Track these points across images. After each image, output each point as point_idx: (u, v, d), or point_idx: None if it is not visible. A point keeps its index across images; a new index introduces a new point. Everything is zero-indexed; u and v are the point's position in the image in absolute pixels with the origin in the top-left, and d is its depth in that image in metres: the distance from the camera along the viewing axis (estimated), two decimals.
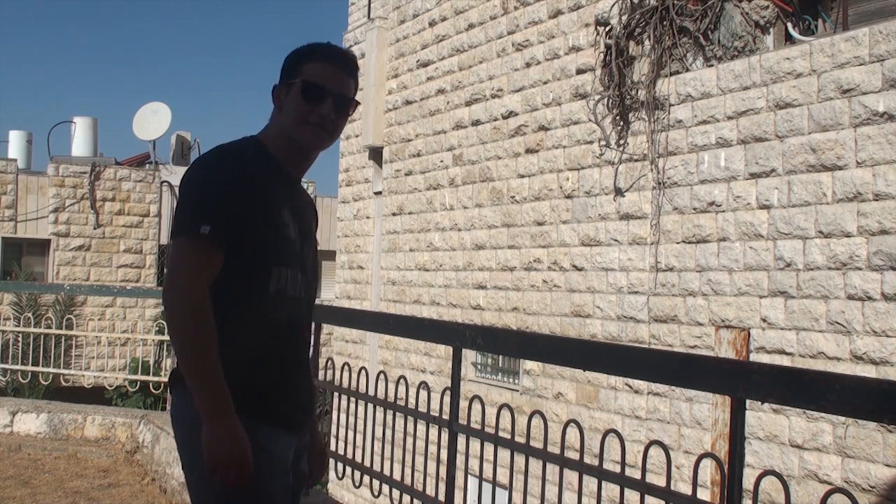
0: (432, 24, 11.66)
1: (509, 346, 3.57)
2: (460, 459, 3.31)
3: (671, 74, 7.82)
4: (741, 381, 2.16)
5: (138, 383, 9.44)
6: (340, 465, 4.19)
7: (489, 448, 3.27)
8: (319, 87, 2.13)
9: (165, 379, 7.27)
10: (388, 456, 3.90)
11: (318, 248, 2.38)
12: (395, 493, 3.70)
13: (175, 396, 2.17)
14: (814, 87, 6.60)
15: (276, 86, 2.20)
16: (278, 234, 2.10)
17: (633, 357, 2.68)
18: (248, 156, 2.12)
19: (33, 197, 17.49)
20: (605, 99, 8.40)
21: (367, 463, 3.99)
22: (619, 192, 8.33)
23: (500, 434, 3.17)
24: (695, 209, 7.51)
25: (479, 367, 10.27)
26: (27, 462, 6.29)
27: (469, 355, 9.87)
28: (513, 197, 9.82)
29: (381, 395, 3.94)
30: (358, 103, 2.22)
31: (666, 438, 7.42)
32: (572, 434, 2.98)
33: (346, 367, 4.25)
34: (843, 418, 6.00)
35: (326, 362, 4.47)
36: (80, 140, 19.65)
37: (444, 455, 3.32)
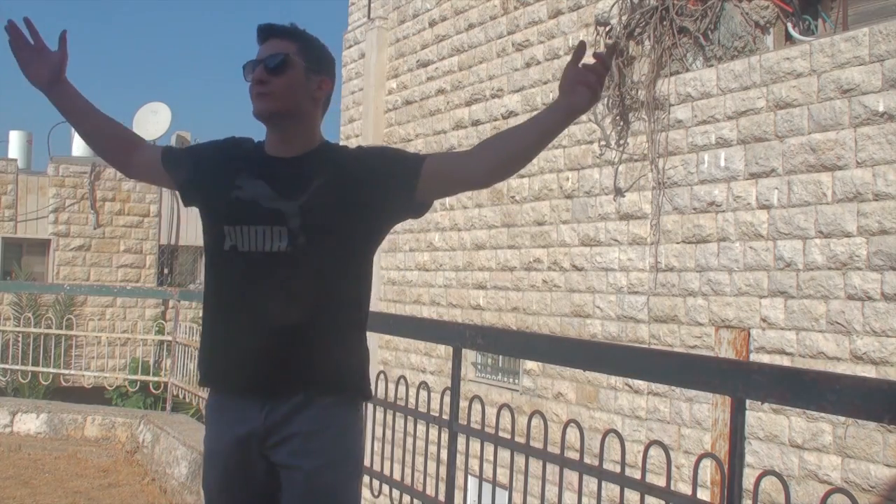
0: (432, 24, 11.66)
1: (509, 346, 3.57)
2: (460, 459, 3.31)
3: (671, 74, 7.82)
4: (741, 381, 2.16)
5: (138, 383, 9.44)
6: None
7: (489, 448, 3.26)
8: (249, 61, 2.21)
9: (165, 379, 7.26)
10: (388, 456, 3.90)
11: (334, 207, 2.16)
12: (395, 493, 3.70)
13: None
14: (814, 87, 6.60)
15: None
16: (225, 195, 2.18)
17: (633, 357, 2.68)
18: (224, 143, 2.32)
19: (33, 197, 17.50)
20: (605, 99, 8.40)
21: (366, 463, 3.99)
22: (619, 192, 8.33)
23: (500, 434, 3.17)
24: (695, 209, 7.51)
25: (479, 367, 10.27)
26: (27, 462, 6.29)
27: (469, 355, 9.87)
28: (513, 197, 9.82)
29: (380, 395, 3.94)
30: (284, 56, 2.16)
31: (666, 438, 7.42)
32: (572, 434, 2.97)
33: None
34: (843, 418, 6.00)
35: None
36: (80, 140, 19.63)
37: (444, 455, 3.32)
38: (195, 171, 2.29)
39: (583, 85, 2.03)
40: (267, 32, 2.22)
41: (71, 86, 2.36)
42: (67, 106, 2.36)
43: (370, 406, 4.03)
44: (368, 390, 2.25)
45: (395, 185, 2.15)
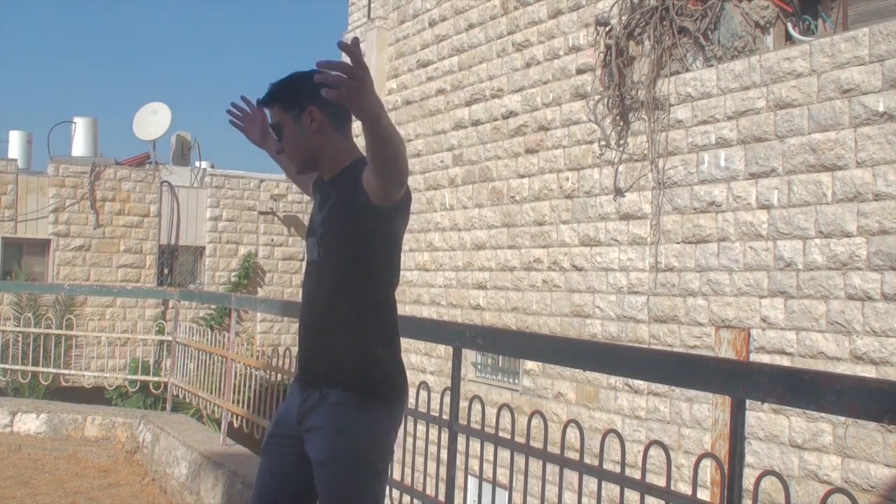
0: (432, 24, 11.66)
1: (509, 346, 3.56)
2: (460, 459, 3.31)
3: (671, 74, 7.82)
4: (741, 381, 2.15)
5: (138, 383, 9.44)
6: None
7: (489, 448, 3.26)
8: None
9: (165, 379, 7.26)
10: None
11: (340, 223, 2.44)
12: (395, 493, 3.70)
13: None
14: (814, 87, 6.60)
15: None
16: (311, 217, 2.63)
17: (633, 357, 2.68)
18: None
19: (33, 197, 17.50)
20: (605, 99, 8.40)
21: None
22: (619, 192, 8.33)
23: (500, 434, 3.17)
24: (695, 209, 7.51)
25: (479, 367, 10.27)
26: (27, 462, 6.29)
27: (469, 355, 9.87)
28: (513, 197, 9.81)
29: None
30: (277, 124, 2.52)
31: (666, 438, 7.42)
32: (572, 434, 2.97)
33: None
34: (843, 418, 6.00)
35: None
36: (80, 140, 19.64)
37: (444, 455, 3.32)
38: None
39: (344, 84, 2.06)
40: (265, 99, 2.56)
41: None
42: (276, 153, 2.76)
43: None
44: (385, 390, 2.36)
45: (362, 191, 2.37)
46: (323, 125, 2.46)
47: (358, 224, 2.35)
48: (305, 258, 2.62)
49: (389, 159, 2.21)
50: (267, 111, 2.60)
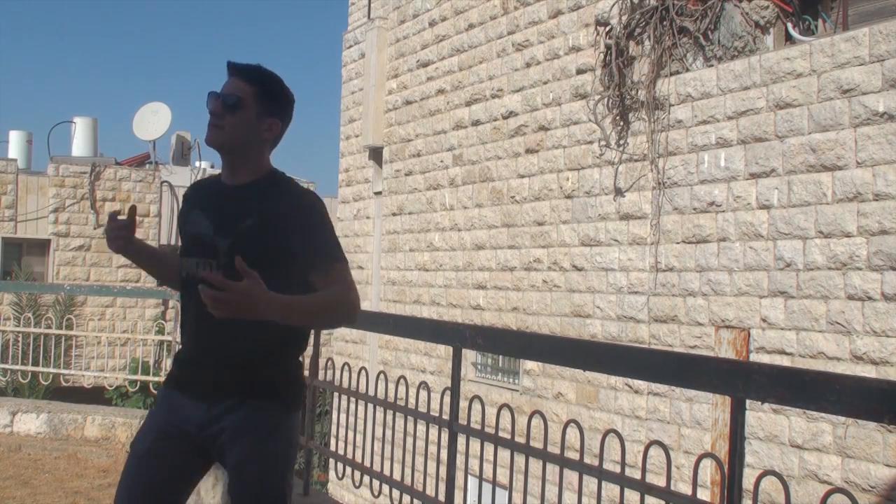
0: (432, 24, 11.66)
1: (509, 346, 3.57)
2: (460, 459, 3.31)
3: (671, 74, 7.82)
4: (741, 381, 2.15)
5: (138, 383, 9.44)
6: (340, 465, 4.19)
7: (489, 448, 3.26)
8: (212, 91, 2.46)
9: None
10: (388, 456, 3.90)
11: (263, 237, 2.40)
12: (395, 493, 3.70)
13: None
14: (814, 87, 6.60)
15: None
16: (183, 231, 2.56)
17: (633, 357, 2.68)
18: (189, 192, 2.66)
19: (33, 197, 17.50)
20: (605, 99, 8.40)
21: (367, 463, 3.99)
22: (619, 192, 8.33)
23: (500, 434, 3.17)
24: (695, 209, 7.51)
25: (479, 367, 10.27)
26: (27, 462, 6.29)
27: (469, 355, 9.87)
28: (513, 197, 9.82)
29: (381, 395, 3.94)
30: (238, 99, 2.41)
31: (666, 438, 7.42)
32: (572, 434, 2.98)
33: (346, 367, 4.25)
34: (843, 418, 6.00)
35: (326, 362, 4.47)
36: (80, 140, 19.65)
37: (444, 455, 3.32)
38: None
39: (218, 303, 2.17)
40: (232, 70, 2.48)
41: (142, 245, 2.74)
42: (141, 262, 2.75)
43: (370, 405, 4.03)
44: (297, 393, 2.52)
45: (301, 256, 2.38)
46: (273, 139, 2.51)
47: (277, 247, 2.37)
48: (185, 275, 2.51)
49: (322, 325, 2.52)
50: (229, 80, 2.47)
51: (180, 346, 2.64)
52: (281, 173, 2.54)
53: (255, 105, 2.44)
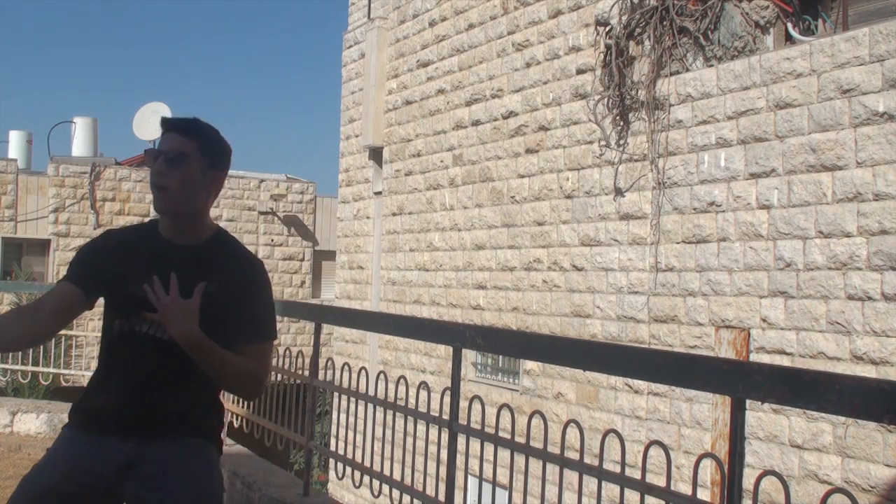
0: (432, 24, 11.66)
1: (509, 346, 3.56)
2: (460, 459, 3.31)
3: (671, 74, 7.82)
4: (741, 381, 2.15)
5: None
6: (340, 465, 4.19)
7: (489, 448, 3.26)
8: (150, 149, 2.43)
9: None
10: (388, 456, 3.90)
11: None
12: (395, 493, 3.70)
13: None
14: (814, 87, 6.60)
15: None
16: (121, 290, 2.42)
17: (633, 357, 2.68)
18: (116, 245, 2.49)
19: (33, 197, 17.50)
20: (605, 99, 8.40)
21: (367, 463, 3.99)
22: (619, 192, 8.33)
23: (500, 434, 3.17)
24: (695, 209, 7.51)
25: (479, 367, 10.28)
26: (27, 462, 6.28)
27: (469, 355, 9.87)
28: (513, 197, 9.82)
29: (381, 395, 3.93)
30: (182, 154, 2.37)
31: (666, 438, 7.42)
32: (572, 434, 2.98)
33: (346, 368, 4.25)
34: (843, 418, 6.00)
35: (326, 362, 4.47)
36: (80, 140, 19.67)
37: (444, 455, 3.32)
38: (98, 279, 2.46)
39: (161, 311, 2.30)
40: (169, 126, 2.45)
41: None
42: None
43: (370, 405, 4.03)
44: (220, 430, 2.60)
45: (236, 322, 2.43)
46: (216, 192, 2.50)
47: (219, 312, 2.39)
48: (119, 331, 2.44)
49: (227, 384, 2.53)
50: (167, 136, 2.43)
51: (95, 396, 2.50)
52: (226, 234, 2.57)
53: (199, 158, 2.42)
